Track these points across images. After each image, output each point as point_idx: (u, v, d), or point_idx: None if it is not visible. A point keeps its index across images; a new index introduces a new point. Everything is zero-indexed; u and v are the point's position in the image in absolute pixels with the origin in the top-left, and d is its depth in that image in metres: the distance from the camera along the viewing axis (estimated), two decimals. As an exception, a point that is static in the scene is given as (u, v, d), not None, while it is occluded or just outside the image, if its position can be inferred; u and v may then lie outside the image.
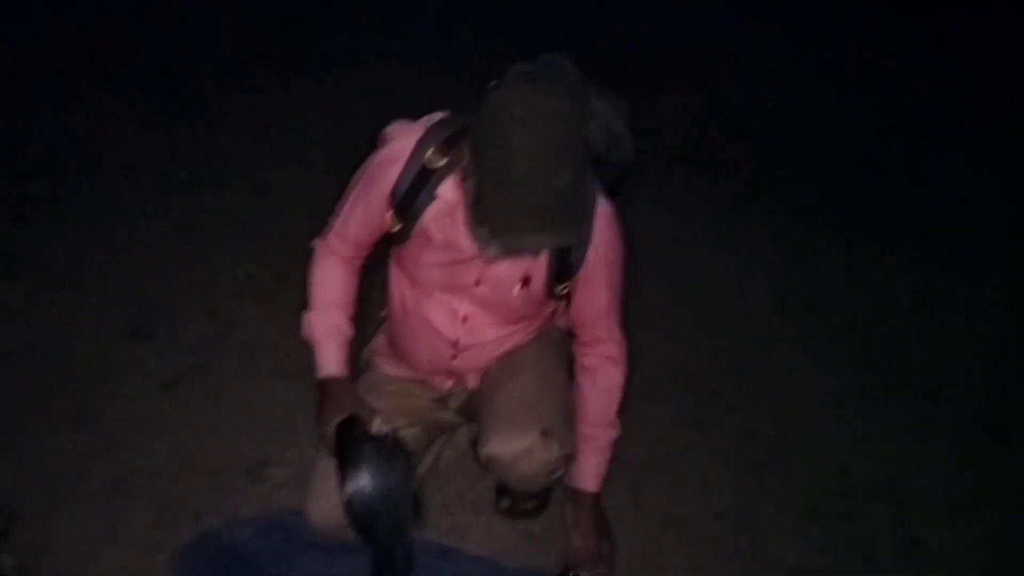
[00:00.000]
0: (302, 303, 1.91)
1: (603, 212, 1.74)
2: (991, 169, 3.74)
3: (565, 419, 1.91)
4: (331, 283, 1.89)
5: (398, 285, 1.94)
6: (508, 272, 1.77)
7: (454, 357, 1.92)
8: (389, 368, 2.06)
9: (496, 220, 1.52)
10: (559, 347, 2.01)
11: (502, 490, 2.15)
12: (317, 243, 1.91)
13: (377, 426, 1.72)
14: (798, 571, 2.03)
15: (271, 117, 3.84)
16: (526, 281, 1.79)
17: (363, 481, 1.66)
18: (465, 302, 1.85)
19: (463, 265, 1.78)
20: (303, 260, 1.91)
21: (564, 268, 1.78)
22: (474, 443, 2.26)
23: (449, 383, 2.02)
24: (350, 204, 1.83)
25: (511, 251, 1.65)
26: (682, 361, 2.67)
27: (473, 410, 2.02)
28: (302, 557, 1.94)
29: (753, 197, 3.53)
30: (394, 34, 4.52)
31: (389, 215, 1.77)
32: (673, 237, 3.22)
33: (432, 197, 1.70)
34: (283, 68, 4.16)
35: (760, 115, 4.04)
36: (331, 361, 1.85)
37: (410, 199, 1.72)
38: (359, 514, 1.67)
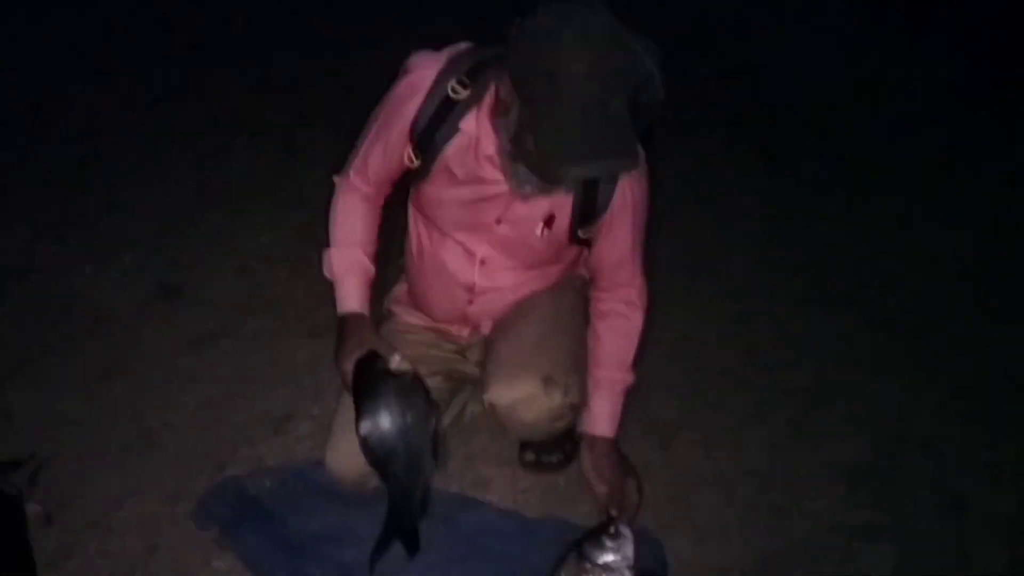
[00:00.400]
0: (324, 273, 1.88)
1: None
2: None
3: (571, 367, 1.84)
4: (351, 221, 1.85)
5: (416, 227, 1.90)
6: (531, 211, 1.72)
7: (470, 302, 1.88)
8: (408, 317, 2.03)
9: (550, 150, 1.45)
10: (576, 293, 1.95)
11: (526, 443, 2.11)
12: (337, 180, 1.87)
13: (397, 363, 1.66)
14: (834, 528, 1.95)
15: (303, 82, 3.84)
16: (549, 221, 1.73)
17: (380, 416, 1.61)
18: (484, 244, 1.80)
19: (486, 203, 1.73)
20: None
21: (590, 209, 1.73)
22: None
23: (466, 332, 1.98)
24: (370, 140, 1.78)
25: (549, 187, 1.61)
26: (718, 319, 2.59)
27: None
28: (323, 507, 1.92)
29: (790, 159, 3.42)
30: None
31: (408, 150, 1.73)
32: (704, 192, 3.14)
33: (454, 130, 1.65)
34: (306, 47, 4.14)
35: (784, 84, 3.90)
36: (351, 297, 1.81)
37: (431, 132, 1.67)
38: (375, 450, 1.63)
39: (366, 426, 1.61)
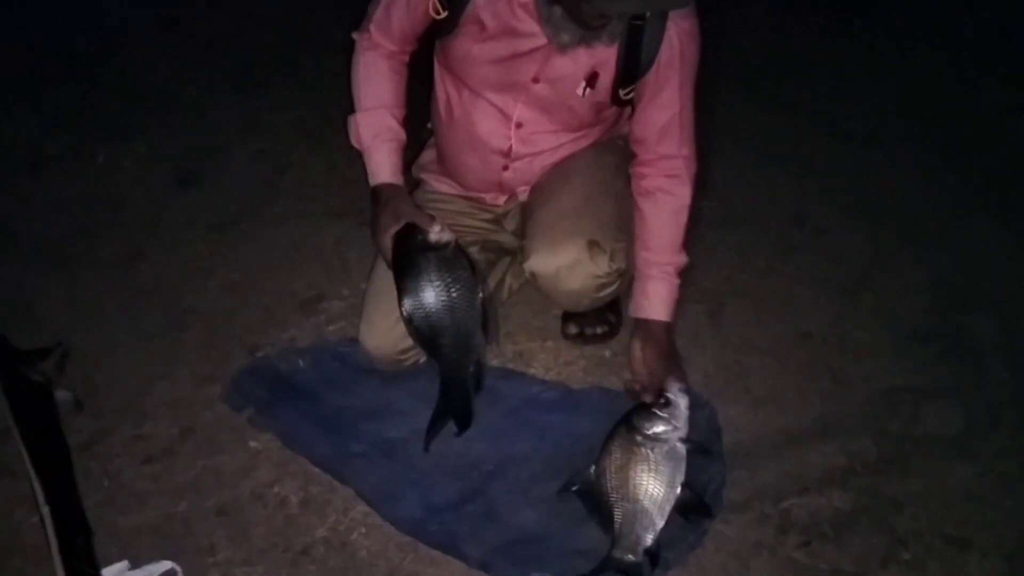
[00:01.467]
0: (349, 143, 1.75)
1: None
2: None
3: (617, 230, 1.72)
4: (376, 82, 1.71)
5: (443, 88, 1.76)
6: (572, 68, 1.59)
7: (505, 168, 1.76)
8: (439, 185, 1.92)
9: None
10: (620, 153, 1.81)
11: (568, 316, 2.01)
12: (356, 36, 1.72)
13: (437, 233, 1.54)
14: (895, 390, 1.85)
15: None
16: (592, 79, 1.60)
17: (423, 293, 1.52)
18: (520, 105, 1.67)
19: (521, 59, 1.59)
20: (351, 101, 1.75)
21: (634, 65, 1.59)
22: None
23: (502, 199, 1.86)
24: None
25: (589, 35, 1.49)
26: (765, 184, 2.45)
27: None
28: (360, 383, 1.85)
29: (846, 21, 3.21)
30: None
31: (434, 3, 1.58)
32: (763, 61, 2.96)
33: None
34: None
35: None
36: (383, 167, 1.68)
37: None
38: (421, 329, 1.54)
39: (409, 304, 1.52)
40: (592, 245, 1.69)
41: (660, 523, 1.46)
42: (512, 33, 1.57)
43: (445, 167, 1.89)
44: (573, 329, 2.00)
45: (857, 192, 2.44)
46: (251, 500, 1.69)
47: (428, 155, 1.95)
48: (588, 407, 1.82)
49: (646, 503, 1.46)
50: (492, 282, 2.01)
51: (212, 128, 2.80)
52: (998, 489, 1.63)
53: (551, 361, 1.95)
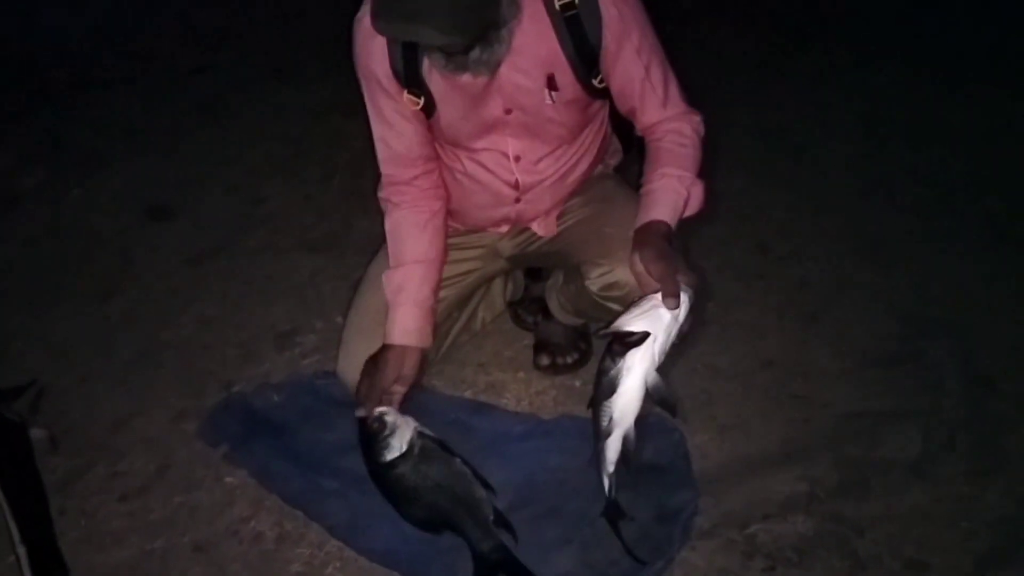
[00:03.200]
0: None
1: None
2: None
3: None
4: (400, 239, 1.75)
5: (447, 159, 1.79)
6: (527, 82, 1.60)
7: (517, 200, 1.79)
8: None
9: (374, 5, 1.35)
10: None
11: (540, 347, 2.05)
12: (380, 196, 1.77)
13: (395, 447, 1.59)
14: (855, 415, 1.90)
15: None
16: (551, 83, 1.60)
17: (412, 504, 1.61)
18: (509, 140, 1.70)
19: (481, 100, 1.63)
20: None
21: (585, 50, 1.57)
22: (514, 302, 2.17)
23: (505, 228, 1.88)
24: (378, 125, 1.70)
25: (484, 61, 1.49)
26: (730, 213, 2.51)
27: (541, 255, 1.92)
28: (333, 417, 1.87)
29: (805, 39, 3.29)
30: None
31: (406, 97, 1.63)
32: (721, 82, 3.02)
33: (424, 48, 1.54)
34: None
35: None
36: (394, 327, 1.72)
37: (411, 64, 1.57)
38: (431, 525, 1.62)
39: (409, 515, 1.61)
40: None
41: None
42: (456, 86, 1.60)
43: (451, 213, 1.88)
44: (545, 360, 2.04)
45: (818, 219, 2.51)
46: (227, 536, 1.70)
47: None
48: (558, 435, 1.84)
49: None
50: (465, 315, 2.05)
51: (185, 161, 2.83)
52: (954, 512, 1.68)
53: (523, 392, 1.99)
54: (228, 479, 1.81)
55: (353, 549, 1.64)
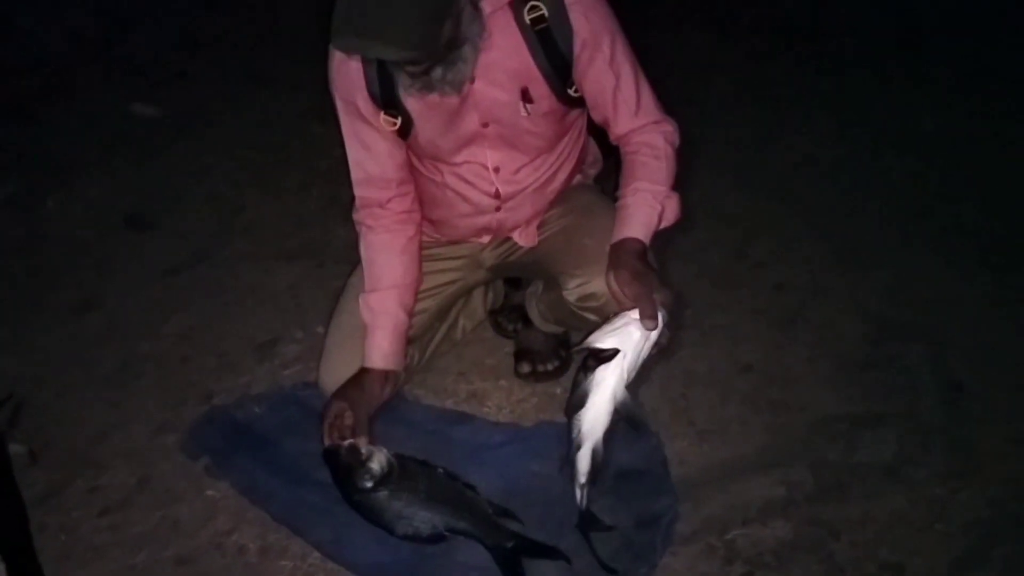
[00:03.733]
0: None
1: None
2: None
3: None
4: (376, 262, 1.77)
5: (422, 174, 1.80)
6: (502, 95, 1.61)
7: (498, 209, 1.80)
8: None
9: (333, 23, 1.35)
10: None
11: (521, 355, 2.07)
12: (355, 218, 1.78)
13: (370, 476, 1.60)
14: (831, 419, 1.93)
15: (264, 3, 3.68)
16: (527, 96, 1.61)
17: (398, 523, 1.60)
18: (488, 152, 1.71)
19: (458, 116, 1.63)
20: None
21: (557, 61, 1.58)
22: (494, 310, 2.18)
23: (487, 238, 1.89)
24: (353, 148, 1.70)
25: (450, 78, 1.49)
26: (706, 220, 2.54)
27: (521, 265, 1.93)
28: (316, 429, 1.85)
29: (781, 50, 3.32)
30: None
31: (383, 118, 1.64)
32: (701, 88, 3.05)
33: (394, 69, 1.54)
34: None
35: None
36: (373, 351, 1.75)
37: (388, 87, 1.58)
38: (427, 536, 1.61)
39: (408, 535, 1.60)
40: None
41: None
42: (432, 104, 1.60)
43: (430, 225, 1.90)
44: (526, 367, 2.05)
45: (795, 225, 2.54)
46: (209, 549, 1.70)
47: None
48: (538, 441, 1.86)
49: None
50: (446, 325, 2.06)
51: (163, 170, 2.82)
52: (929, 514, 1.71)
53: (504, 400, 2.00)
54: (210, 492, 1.81)
55: (339, 564, 1.64)
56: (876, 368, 2.06)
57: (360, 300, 1.77)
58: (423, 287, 1.88)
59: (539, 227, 1.87)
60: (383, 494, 1.59)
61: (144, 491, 1.82)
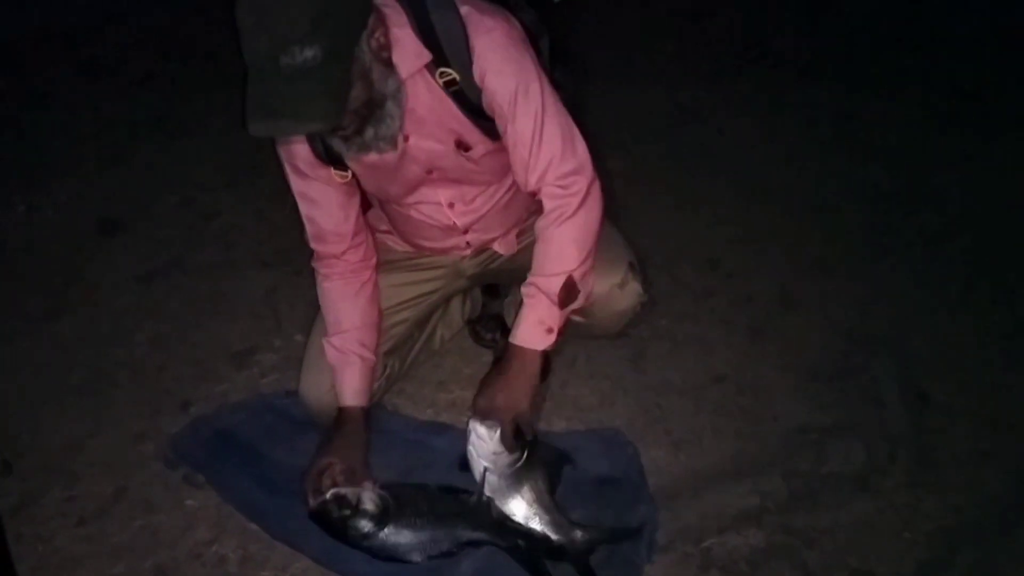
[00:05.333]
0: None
1: (468, 16, 1.49)
2: (991, 15, 3.56)
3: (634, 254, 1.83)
4: (336, 308, 1.78)
5: (382, 209, 1.85)
6: (438, 146, 1.62)
7: (465, 232, 1.82)
8: (395, 243, 1.95)
9: (245, 108, 1.34)
10: None
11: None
12: (313, 265, 1.81)
13: (369, 507, 1.61)
14: (802, 429, 1.98)
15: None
16: (462, 145, 1.62)
17: (427, 549, 1.62)
18: (440, 191, 1.73)
19: (400, 168, 1.65)
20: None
21: (482, 114, 1.57)
22: (472, 319, 2.20)
23: (469, 251, 1.90)
24: (304, 205, 1.73)
25: (377, 141, 1.51)
26: (679, 231, 2.58)
27: (502, 272, 1.95)
28: (297, 438, 1.87)
29: (749, 60, 3.38)
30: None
31: (334, 173, 1.66)
32: (661, 105, 3.09)
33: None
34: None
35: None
36: (345, 390, 1.76)
37: (329, 146, 1.58)
38: (448, 553, 1.63)
39: (419, 560, 1.62)
40: (631, 267, 1.79)
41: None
42: (374, 163, 1.62)
43: (407, 240, 1.92)
44: (504, 377, 2.07)
45: (766, 236, 2.58)
46: (189, 559, 1.70)
47: (380, 215, 1.95)
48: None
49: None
50: (424, 334, 2.07)
51: (135, 174, 2.80)
52: (896, 522, 1.77)
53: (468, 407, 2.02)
54: (189, 501, 1.81)
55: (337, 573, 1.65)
56: (845, 378, 2.11)
57: (324, 343, 1.77)
58: (403, 297, 1.90)
59: (519, 235, 1.90)
60: (388, 531, 1.60)
61: (121, 501, 1.82)
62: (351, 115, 1.44)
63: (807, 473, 1.87)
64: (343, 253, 1.77)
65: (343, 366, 1.75)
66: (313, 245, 1.78)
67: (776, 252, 2.52)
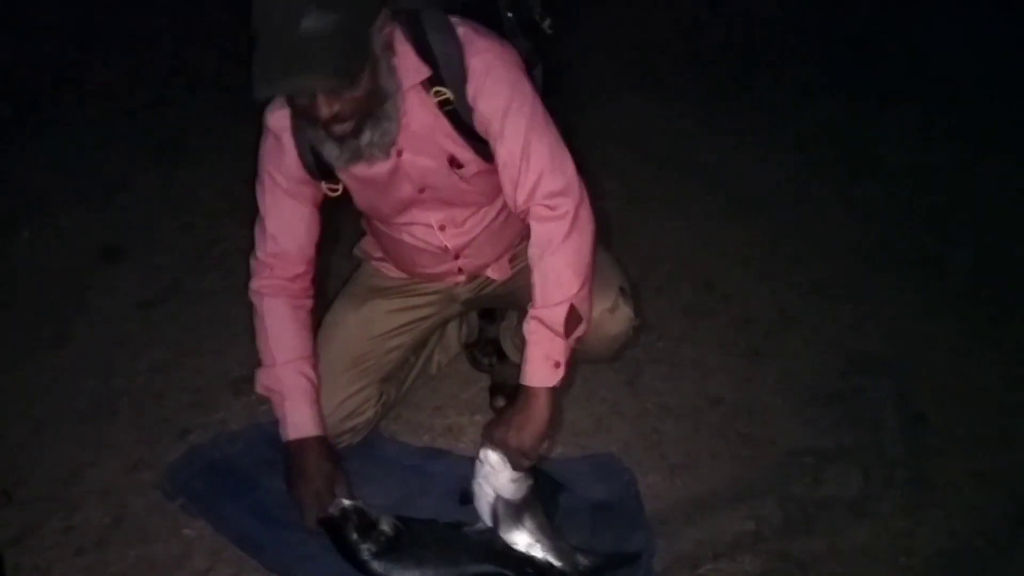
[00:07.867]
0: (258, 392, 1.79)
1: (465, 37, 1.51)
2: (986, 34, 3.57)
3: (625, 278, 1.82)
4: (286, 333, 1.76)
5: (373, 229, 1.86)
6: (431, 163, 1.63)
7: (456, 257, 1.83)
8: (389, 271, 1.95)
9: (253, 74, 1.37)
10: None
11: (496, 389, 2.10)
12: (253, 288, 1.78)
13: (386, 528, 1.62)
14: (799, 452, 1.98)
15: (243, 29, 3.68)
16: (454, 162, 1.63)
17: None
18: (430, 213, 1.74)
19: (392, 185, 1.66)
20: None
21: (475, 133, 1.58)
22: (469, 344, 2.20)
23: (462, 278, 1.90)
24: (272, 221, 1.72)
25: (375, 148, 1.51)
26: (676, 252, 2.59)
27: (496, 297, 1.95)
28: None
29: (745, 77, 3.39)
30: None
31: (325, 187, 1.66)
32: (659, 125, 3.10)
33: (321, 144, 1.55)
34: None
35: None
36: (303, 420, 1.73)
37: (322, 159, 1.58)
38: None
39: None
40: (622, 291, 1.78)
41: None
42: (364, 179, 1.63)
43: (399, 265, 1.92)
44: (502, 402, 2.07)
45: (762, 256, 2.59)
46: (185, 589, 1.71)
47: (373, 243, 1.96)
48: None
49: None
50: (420, 360, 2.08)
51: (137, 200, 2.82)
52: (893, 547, 1.76)
53: (478, 436, 2.01)
54: (186, 530, 1.81)
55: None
56: (842, 401, 2.11)
57: (262, 373, 1.76)
58: (398, 323, 1.91)
59: (511, 260, 1.90)
60: (392, 564, 1.60)
61: (119, 530, 1.82)
62: (355, 102, 1.43)
63: (802, 498, 1.87)
64: (295, 278, 1.76)
65: (294, 396, 1.73)
66: (267, 260, 1.75)
67: (774, 273, 2.53)
